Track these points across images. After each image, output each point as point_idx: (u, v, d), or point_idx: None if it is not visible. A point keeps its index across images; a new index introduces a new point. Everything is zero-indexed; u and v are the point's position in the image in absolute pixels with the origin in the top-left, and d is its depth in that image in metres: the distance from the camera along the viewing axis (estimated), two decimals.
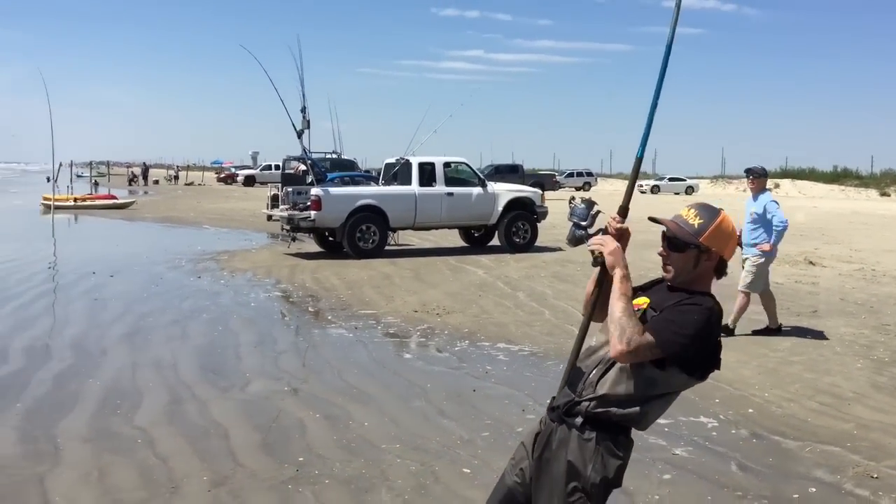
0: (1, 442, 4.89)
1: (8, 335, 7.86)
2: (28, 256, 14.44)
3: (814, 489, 4.29)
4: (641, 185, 60.46)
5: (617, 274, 2.37)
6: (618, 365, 2.35)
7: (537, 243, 15.73)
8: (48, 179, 42.76)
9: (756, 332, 7.92)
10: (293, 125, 15.77)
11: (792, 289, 10.62)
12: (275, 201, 19.08)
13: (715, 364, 2.40)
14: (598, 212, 2.63)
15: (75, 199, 29.63)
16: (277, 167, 49.20)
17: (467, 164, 16.75)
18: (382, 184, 16.35)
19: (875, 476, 4.42)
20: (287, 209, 15.35)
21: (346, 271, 12.53)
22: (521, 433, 3.98)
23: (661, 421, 3.76)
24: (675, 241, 2.46)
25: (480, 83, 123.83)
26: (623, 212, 2.53)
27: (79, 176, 48.11)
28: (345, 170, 26.69)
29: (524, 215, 15.65)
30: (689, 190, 58.43)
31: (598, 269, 2.50)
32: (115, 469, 4.45)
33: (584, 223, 2.60)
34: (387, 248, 14.98)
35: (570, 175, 61.73)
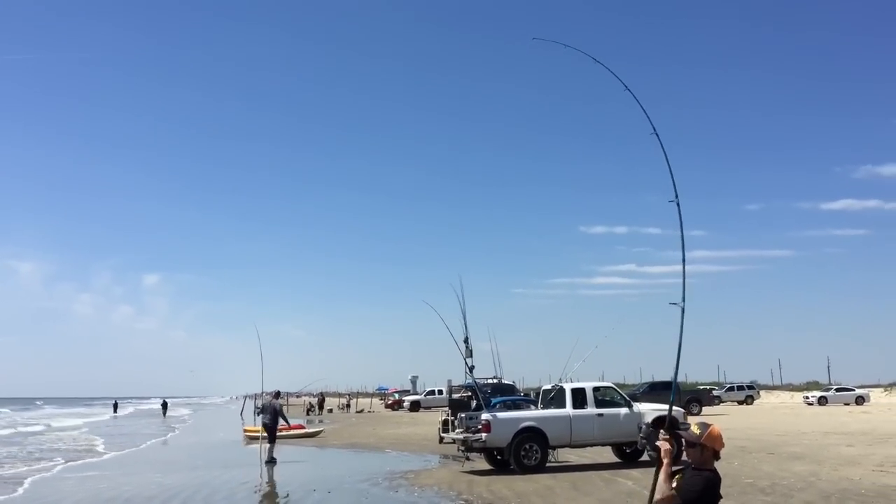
0: None
1: None
2: (255, 479, 17.85)
3: None
4: (808, 397, 58.50)
5: (664, 462, 4.91)
6: None
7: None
8: (242, 413, 47.54)
9: None
10: (464, 360, 19.07)
11: None
12: (445, 425, 22.07)
13: (715, 502, 4.83)
14: (657, 436, 5.30)
15: None
16: (440, 392, 52.83)
17: (615, 388, 19.15)
18: (541, 407, 18.98)
19: None
20: (462, 432, 18.20)
21: (515, 484, 14.93)
22: None
23: None
24: (689, 443, 5.05)
25: (634, 295, 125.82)
26: (661, 424, 5.23)
27: (259, 408, 52.73)
28: (505, 393, 29.51)
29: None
30: (860, 400, 55.46)
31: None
32: None
33: (650, 446, 5.38)
34: (548, 464, 17.30)
35: (731, 389, 61.00)
